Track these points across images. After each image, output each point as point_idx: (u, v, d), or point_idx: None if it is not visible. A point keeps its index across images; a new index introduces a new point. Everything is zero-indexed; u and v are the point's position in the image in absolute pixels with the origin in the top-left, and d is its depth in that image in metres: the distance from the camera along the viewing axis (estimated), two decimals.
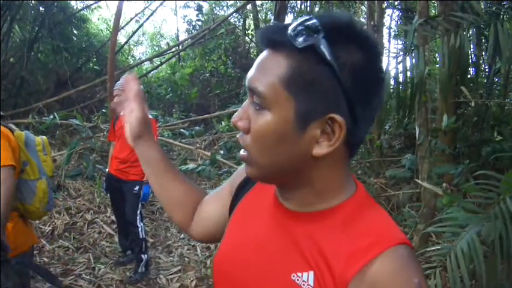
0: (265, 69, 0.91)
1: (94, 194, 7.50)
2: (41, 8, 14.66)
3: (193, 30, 15.94)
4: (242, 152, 0.99)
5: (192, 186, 1.42)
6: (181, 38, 18.40)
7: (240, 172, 1.29)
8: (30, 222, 3.09)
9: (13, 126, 3.00)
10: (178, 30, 19.24)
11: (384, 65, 0.97)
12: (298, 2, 16.32)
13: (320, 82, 0.87)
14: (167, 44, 18.10)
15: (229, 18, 14.72)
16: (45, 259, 5.35)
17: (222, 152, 8.61)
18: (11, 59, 14.33)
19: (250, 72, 0.94)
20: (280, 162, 0.94)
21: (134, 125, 1.36)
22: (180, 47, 15.00)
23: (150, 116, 4.16)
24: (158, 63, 16.31)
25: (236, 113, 0.98)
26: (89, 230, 6.42)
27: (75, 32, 16.18)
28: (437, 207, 4.84)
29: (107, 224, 6.48)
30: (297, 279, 0.93)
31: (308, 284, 0.92)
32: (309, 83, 0.87)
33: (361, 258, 0.87)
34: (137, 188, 5.07)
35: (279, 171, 0.95)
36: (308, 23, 0.87)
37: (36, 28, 14.33)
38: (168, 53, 15.44)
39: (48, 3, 14.19)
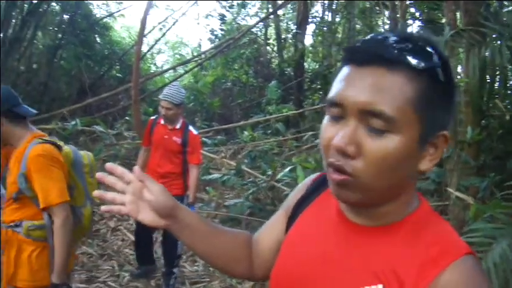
0: (386, 91, 0.88)
1: None
2: (64, 16, 14.88)
3: (215, 40, 15.96)
4: (340, 176, 0.92)
5: (235, 233, 1.37)
6: (202, 47, 18.51)
7: (297, 192, 1.27)
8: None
9: (57, 141, 2.87)
10: (200, 40, 19.32)
11: None
12: (320, 11, 16.34)
13: (438, 102, 0.91)
14: (192, 53, 18.15)
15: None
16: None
17: (246, 161, 8.54)
18: (35, 66, 14.49)
19: (362, 93, 0.89)
20: (391, 183, 0.93)
21: (163, 215, 1.19)
22: (203, 56, 15.00)
23: (195, 132, 4.10)
24: (181, 71, 16.35)
25: (340, 137, 0.91)
26: (113, 237, 6.44)
27: (98, 39, 16.34)
28: (466, 220, 4.72)
29: (130, 231, 6.45)
30: None
31: None
32: (432, 103, 0.90)
33: (431, 270, 0.89)
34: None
35: (388, 191, 0.95)
36: (425, 44, 0.91)
37: (60, 35, 14.52)
38: (191, 62, 15.47)
39: (71, 11, 14.40)
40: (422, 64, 0.88)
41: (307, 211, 1.17)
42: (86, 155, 2.94)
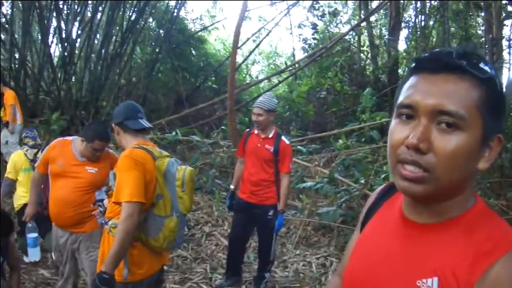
0: (458, 94, 1.00)
1: (213, 207, 7.73)
2: (161, 31, 15.53)
3: (308, 49, 15.98)
4: (416, 172, 1.02)
5: None
6: (296, 56, 18.58)
7: (366, 204, 1.39)
8: None
9: (157, 152, 3.07)
10: (294, 49, 19.42)
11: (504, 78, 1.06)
12: (413, 16, 15.93)
13: (497, 107, 1.03)
14: (285, 63, 18.29)
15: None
16: (164, 267, 5.51)
17: (339, 169, 8.48)
18: (134, 79, 15.23)
19: (434, 96, 1.01)
20: (460, 178, 1.03)
21: None
22: (297, 66, 15.07)
23: (286, 142, 4.17)
24: (276, 81, 16.52)
25: (412, 136, 1.01)
26: (207, 242, 6.63)
27: (193, 52, 16.95)
28: None
29: (224, 237, 6.61)
30: (422, 285, 1.01)
31: None
32: (493, 107, 1.02)
33: (483, 263, 0.95)
34: (271, 212, 4.91)
35: (453, 186, 1.03)
36: (477, 55, 1.03)
37: (157, 50, 15.20)
38: (285, 72, 15.60)
39: (167, 26, 15.04)
40: (485, 74, 1.01)
41: (375, 217, 1.29)
42: (181, 170, 3.04)
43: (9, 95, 8.99)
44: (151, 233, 2.92)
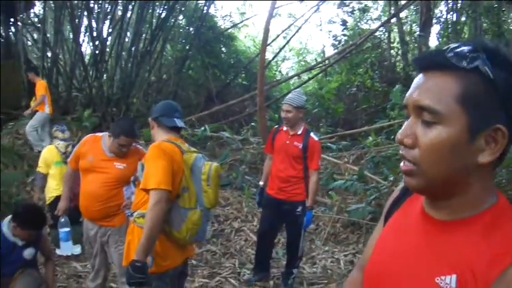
0: (435, 89, 1.02)
1: (242, 203, 7.77)
2: (190, 28, 15.65)
3: (338, 45, 15.90)
4: (406, 165, 1.08)
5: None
6: (326, 52, 18.51)
7: (391, 197, 1.39)
8: None
9: (186, 147, 3.15)
10: (324, 46, 19.35)
11: None
12: (444, 12, 15.70)
13: (486, 98, 0.99)
14: (315, 59, 18.26)
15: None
16: (194, 261, 5.63)
17: (368, 166, 8.44)
18: (164, 76, 15.37)
19: (416, 93, 1.05)
20: (449, 171, 1.03)
21: None
22: (327, 62, 15.02)
23: (315, 138, 4.19)
24: (306, 78, 16.48)
25: (400, 131, 1.08)
26: (236, 237, 6.68)
27: (223, 49, 17.00)
28: None
29: (253, 232, 6.65)
30: (441, 282, 1.01)
31: (451, 286, 0.99)
32: (478, 99, 0.99)
33: (502, 262, 0.94)
34: (300, 208, 4.89)
35: (445, 179, 1.04)
36: (467, 47, 1.01)
37: (187, 47, 15.32)
38: (315, 68, 15.55)
39: (197, 23, 15.17)
40: (467, 65, 0.99)
41: (399, 211, 1.29)
42: (208, 165, 3.11)
43: (41, 85, 9.26)
44: (174, 224, 2.98)
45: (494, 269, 0.94)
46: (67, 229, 4.56)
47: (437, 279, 1.02)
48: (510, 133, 1.00)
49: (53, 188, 5.59)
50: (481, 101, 0.99)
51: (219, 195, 3.19)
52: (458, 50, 1.01)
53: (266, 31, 8.57)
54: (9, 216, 3.88)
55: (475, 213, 1.05)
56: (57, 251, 5.21)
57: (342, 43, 15.72)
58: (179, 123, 3.27)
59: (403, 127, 1.08)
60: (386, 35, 16.30)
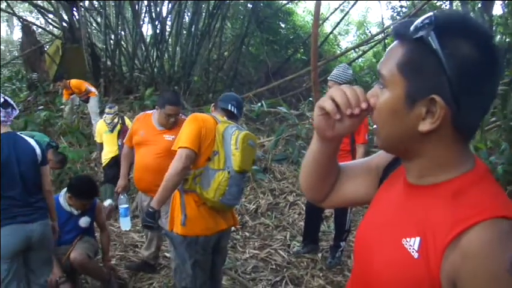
0: (389, 56, 1.09)
1: (298, 177, 7.82)
2: (248, 5, 15.70)
3: (397, 17, 15.55)
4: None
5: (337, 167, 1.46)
6: (385, 24, 18.12)
7: (387, 156, 1.36)
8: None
9: (223, 119, 3.35)
10: (382, 18, 18.96)
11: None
12: None
13: (427, 67, 1.01)
14: (371, 32, 17.90)
15: (433, 2, 14.02)
16: (247, 233, 5.87)
17: None
18: (225, 53, 15.57)
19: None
20: (394, 134, 1.09)
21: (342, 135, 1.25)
22: (384, 34, 14.74)
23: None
24: (363, 51, 16.26)
25: (369, 91, 1.15)
26: (290, 210, 6.83)
27: (282, 25, 17.00)
28: None
29: None
30: (406, 243, 1.04)
31: (413, 248, 1.02)
32: (417, 67, 1.02)
33: (459, 227, 0.95)
34: None
35: (394, 142, 1.11)
36: (426, 18, 1.01)
37: (246, 24, 15.36)
38: (373, 41, 15.31)
39: (255, 0, 15.17)
40: (414, 35, 1.02)
41: (388, 180, 1.30)
42: (237, 132, 3.24)
43: (77, 83, 9.72)
44: (204, 184, 3.17)
45: (449, 234, 0.95)
46: (126, 205, 4.79)
47: (403, 241, 1.04)
48: (457, 105, 0.99)
49: (107, 152, 6.78)
50: (421, 70, 1.01)
51: (249, 159, 3.32)
52: (417, 21, 1.03)
53: (317, 5, 8.54)
54: (65, 189, 4.30)
55: (444, 179, 1.06)
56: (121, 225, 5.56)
57: (401, 15, 15.36)
58: (231, 107, 3.42)
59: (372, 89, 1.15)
60: (446, 4, 15.75)
